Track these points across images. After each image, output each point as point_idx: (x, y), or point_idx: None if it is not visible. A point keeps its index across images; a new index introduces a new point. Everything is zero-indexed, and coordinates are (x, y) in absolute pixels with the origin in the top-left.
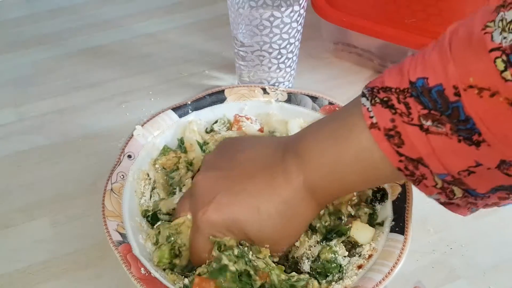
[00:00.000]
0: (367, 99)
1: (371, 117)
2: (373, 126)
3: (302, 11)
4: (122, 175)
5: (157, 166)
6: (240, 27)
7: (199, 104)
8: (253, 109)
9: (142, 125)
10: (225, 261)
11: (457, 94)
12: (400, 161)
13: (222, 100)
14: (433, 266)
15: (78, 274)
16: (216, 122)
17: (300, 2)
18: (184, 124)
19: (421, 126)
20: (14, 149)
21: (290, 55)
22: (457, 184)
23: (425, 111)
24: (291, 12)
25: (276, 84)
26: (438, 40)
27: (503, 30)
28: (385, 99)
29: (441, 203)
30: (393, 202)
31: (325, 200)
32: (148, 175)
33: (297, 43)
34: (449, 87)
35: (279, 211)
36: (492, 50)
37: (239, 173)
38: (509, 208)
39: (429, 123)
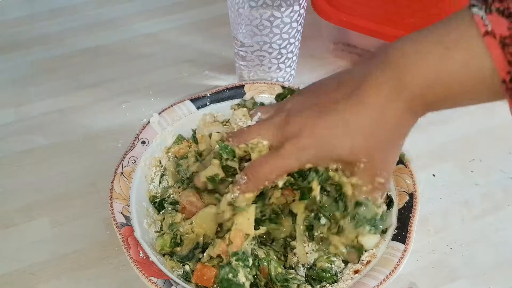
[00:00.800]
0: (480, 9)
1: (486, 25)
2: (487, 33)
3: (302, 11)
4: (134, 160)
5: (169, 154)
6: (240, 27)
7: (217, 96)
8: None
9: (159, 113)
10: (240, 277)
11: None
12: (508, 72)
13: (241, 94)
14: (433, 266)
15: (78, 274)
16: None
17: (300, 2)
18: (201, 116)
19: None
20: (14, 149)
21: (290, 55)
22: None
23: None
24: (291, 12)
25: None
26: None
27: None
28: (501, 8)
29: None
30: (399, 210)
31: (422, 109)
32: (160, 162)
33: (297, 43)
34: None
35: (371, 121)
36: None
37: (326, 97)
38: (508, 208)
39: None
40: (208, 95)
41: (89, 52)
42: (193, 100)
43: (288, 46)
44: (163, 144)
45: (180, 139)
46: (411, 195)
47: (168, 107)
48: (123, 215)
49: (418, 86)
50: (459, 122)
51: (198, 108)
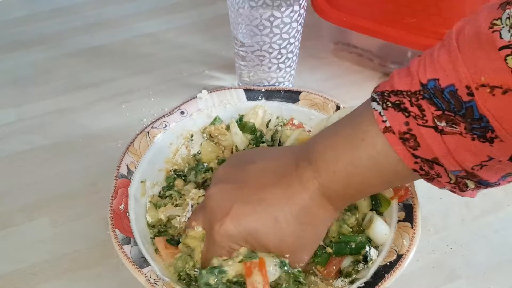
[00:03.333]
0: (378, 103)
1: (384, 121)
2: (387, 130)
3: (302, 11)
4: (166, 124)
5: (204, 135)
6: (240, 27)
7: (271, 94)
8: (318, 124)
9: (209, 92)
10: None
11: (470, 93)
12: (416, 162)
13: (294, 100)
14: (433, 266)
15: (78, 274)
16: (277, 117)
17: (300, 2)
18: (249, 107)
19: (435, 128)
20: (14, 149)
21: (290, 55)
22: (470, 177)
23: (439, 112)
24: (291, 12)
25: (276, 84)
26: (444, 39)
27: (511, 27)
28: (397, 102)
29: (451, 190)
30: (379, 267)
31: (342, 203)
32: (192, 137)
33: (297, 43)
34: (461, 87)
35: (297, 218)
36: (502, 48)
37: (253, 184)
38: (508, 208)
39: (443, 123)
40: (263, 90)
41: (89, 52)
42: (246, 90)
43: (288, 46)
44: (201, 122)
45: (217, 120)
46: (400, 256)
47: (220, 89)
48: (128, 168)
49: (336, 184)
50: None
51: (248, 99)
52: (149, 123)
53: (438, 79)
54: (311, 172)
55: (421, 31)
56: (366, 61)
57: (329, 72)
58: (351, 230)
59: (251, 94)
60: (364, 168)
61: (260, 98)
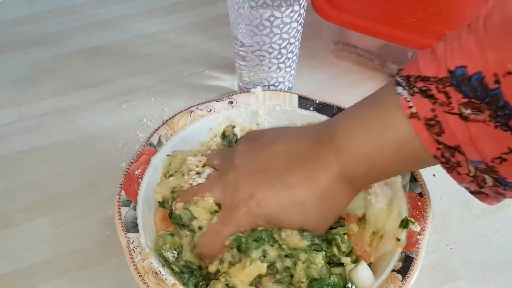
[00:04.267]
0: (404, 89)
1: (410, 107)
2: (412, 116)
3: (302, 11)
4: (211, 108)
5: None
6: (240, 27)
7: (323, 108)
8: None
9: (263, 89)
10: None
11: (497, 81)
12: (438, 149)
13: None
14: (433, 266)
15: (78, 274)
16: None
17: (300, 2)
18: (299, 114)
19: (460, 115)
20: (14, 149)
21: (290, 55)
22: (489, 172)
23: (465, 100)
24: (291, 12)
25: (276, 84)
26: (471, 23)
27: None
28: (423, 88)
29: (471, 192)
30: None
31: (362, 186)
32: (234, 128)
33: (297, 43)
34: (489, 75)
35: (321, 201)
36: None
37: (277, 166)
38: (508, 208)
39: (468, 111)
40: (317, 101)
41: (89, 52)
42: (300, 97)
43: (288, 46)
44: (246, 116)
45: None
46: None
47: (275, 90)
48: (160, 139)
49: (358, 168)
50: None
51: (300, 106)
52: (195, 104)
53: (466, 66)
54: (334, 155)
55: (421, 31)
56: (366, 61)
57: (329, 72)
58: (321, 267)
59: (304, 102)
60: (388, 153)
61: (311, 108)
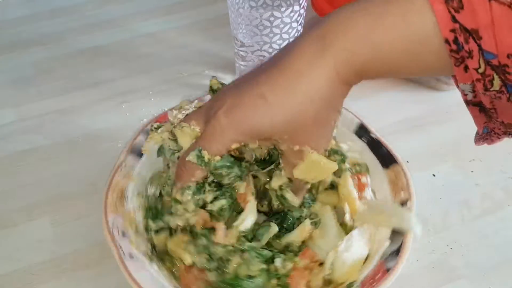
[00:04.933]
0: None
1: None
2: None
3: (302, 11)
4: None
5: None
6: (240, 27)
7: None
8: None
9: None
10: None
11: None
12: (452, 30)
13: None
14: (433, 266)
15: (78, 274)
16: None
17: (300, 2)
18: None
19: None
20: (14, 149)
21: None
22: (500, 72)
23: None
24: (291, 12)
25: None
26: None
27: None
28: None
29: (467, 102)
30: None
31: (353, 76)
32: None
33: None
34: None
35: (291, 93)
36: None
37: (257, 75)
38: (508, 208)
39: None
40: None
41: (89, 52)
42: None
43: None
44: None
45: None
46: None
47: None
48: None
49: (345, 46)
50: (459, 122)
51: None
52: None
53: None
54: (321, 45)
55: None
56: None
57: None
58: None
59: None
60: (395, 32)
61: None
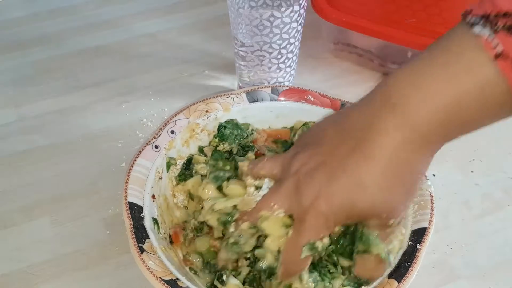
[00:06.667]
0: (483, 27)
1: (494, 47)
2: (499, 56)
3: (302, 11)
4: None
5: None
6: (240, 27)
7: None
8: None
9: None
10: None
11: None
12: None
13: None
14: (433, 266)
15: (78, 274)
16: None
17: (300, 2)
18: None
19: None
20: (14, 149)
21: (290, 55)
22: None
23: None
24: (291, 12)
25: (277, 83)
26: None
27: None
28: (507, 25)
29: None
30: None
31: (437, 144)
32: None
33: (297, 43)
34: None
35: (386, 178)
36: None
37: (333, 154)
38: (508, 208)
39: None
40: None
41: (89, 52)
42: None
43: (288, 46)
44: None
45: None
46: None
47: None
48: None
49: (428, 125)
50: None
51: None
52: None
53: None
54: (393, 120)
55: (421, 31)
56: (366, 61)
57: (329, 72)
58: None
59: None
60: (469, 102)
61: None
